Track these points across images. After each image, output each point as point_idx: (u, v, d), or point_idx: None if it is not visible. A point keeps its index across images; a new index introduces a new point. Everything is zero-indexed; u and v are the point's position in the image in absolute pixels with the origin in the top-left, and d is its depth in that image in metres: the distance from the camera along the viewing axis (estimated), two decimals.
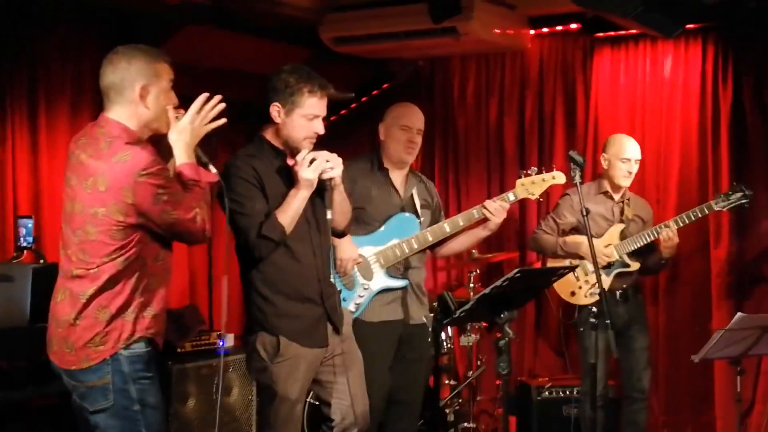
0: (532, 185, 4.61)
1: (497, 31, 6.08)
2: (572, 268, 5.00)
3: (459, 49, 6.46)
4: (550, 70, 6.60)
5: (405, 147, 4.57)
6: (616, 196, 5.29)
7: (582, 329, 5.11)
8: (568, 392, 5.71)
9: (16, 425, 4.24)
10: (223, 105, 3.30)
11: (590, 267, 5.16)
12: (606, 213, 5.25)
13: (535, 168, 4.65)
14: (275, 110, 3.76)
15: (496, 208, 4.48)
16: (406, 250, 4.48)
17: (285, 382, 3.73)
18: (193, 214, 3.16)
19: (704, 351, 4.53)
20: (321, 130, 3.76)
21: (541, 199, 4.75)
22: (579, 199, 5.22)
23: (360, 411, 3.89)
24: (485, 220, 4.54)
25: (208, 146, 6.15)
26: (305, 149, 3.72)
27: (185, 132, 3.23)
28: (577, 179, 4.32)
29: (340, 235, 4.07)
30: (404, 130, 4.57)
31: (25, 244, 4.58)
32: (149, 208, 3.07)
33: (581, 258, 5.22)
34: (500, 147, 6.74)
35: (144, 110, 3.18)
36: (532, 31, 6.49)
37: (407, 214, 4.60)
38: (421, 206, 4.68)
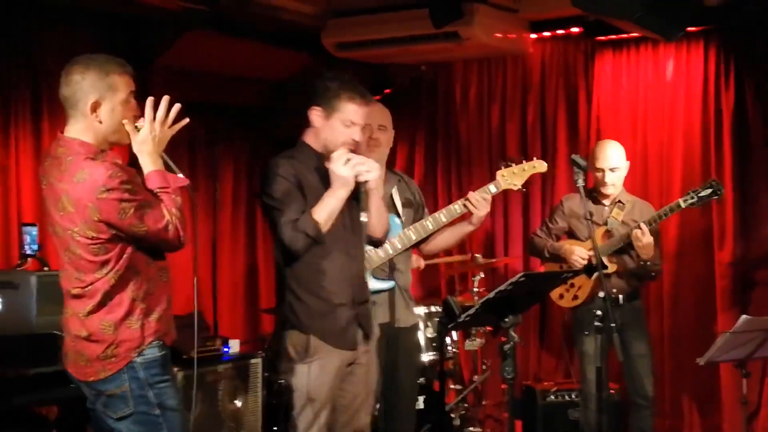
0: (513, 176, 4.56)
1: (499, 35, 6.08)
2: (576, 273, 5.00)
3: (461, 54, 6.47)
4: (552, 74, 6.61)
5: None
6: (606, 201, 5.29)
7: (587, 333, 5.10)
8: (573, 396, 5.70)
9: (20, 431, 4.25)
10: (177, 105, 3.24)
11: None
12: (595, 217, 5.25)
13: (515, 158, 4.64)
14: (315, 114, 3.82)
15: (478, 200, 4.43)
16: (390, 251, 4.43)
17: (313, 383, 3.75)
18: (165, 223, 3.13)
19: (709, 354, 4.53)
20: (358, 138, 3.82)
21: (524, 190, 4.68)
22: (572, 205, 5.31)
23: (362, 424, 3.93)
24: (469, 215, 4.52)
25: (210, 152, 6.23)
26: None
27: (147, 142, 3.19)
28: (580, 183, 4.31)
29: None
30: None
31: (29, 252, 4.57)
32: (117, 223, 3.07)
33: (564, 261, 5.23)
34: (502, 151, 6.73)
35: (98, 125, 3.15)
36: (533, 35, 6.49)
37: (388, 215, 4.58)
38: (403, 205, 4.63)
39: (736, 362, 4.72)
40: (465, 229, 4.62)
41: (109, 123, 3.16)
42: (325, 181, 3.77)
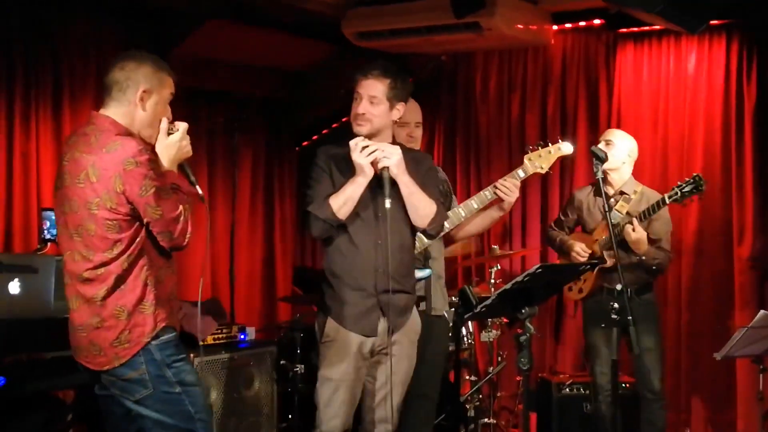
0: (539, 159, 4.58)
1: (520, 26, 6.06)
2: (594, 265, 4.98)
3: (482, 45, 6.45)
4: (573, 65, 6.59)
5: (405, 142, 4.54)
6: (610, 191, 5.18)
7: (591, 325, 5.11)
8: (588, 389, 5.69)
9: (38, 416, 4.28)
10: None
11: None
12: (599, 208, 5.19)
13: (541, 142, 4.64)
14: None
15: (509, 186, 4.49)
16: (425, 240, 4.49)
17: (328, 363, 3.84)
18: (178, 213, 3.22)
19: (726, 349, 4.51)
20: (357, 110, 3.86)
21: (551, 172, 4.69)
22: (581, 197, 5.28)
23: (382, 415, 3.93)
24: (499, 200, 4.55)
25: (230, 141, 6.25)
26: (358, 133, 3.84)
27: (173, 147, 3.32)
28: (600, 175, 4.28)
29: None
30: (402, 126, 4.54)
31: (48, 237, 4.61)
32: (136, 200, 3.14)
33: (569, 254, 5.22)
34: (522, 142, 6.70)
35: (141, 113, 3.26)
36: (555, 27, 6.47)
37: None
38: None
39: (753, 357, 4.71)
40: (495, 214, 4.68)
41: (150, 114, 3.27)
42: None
